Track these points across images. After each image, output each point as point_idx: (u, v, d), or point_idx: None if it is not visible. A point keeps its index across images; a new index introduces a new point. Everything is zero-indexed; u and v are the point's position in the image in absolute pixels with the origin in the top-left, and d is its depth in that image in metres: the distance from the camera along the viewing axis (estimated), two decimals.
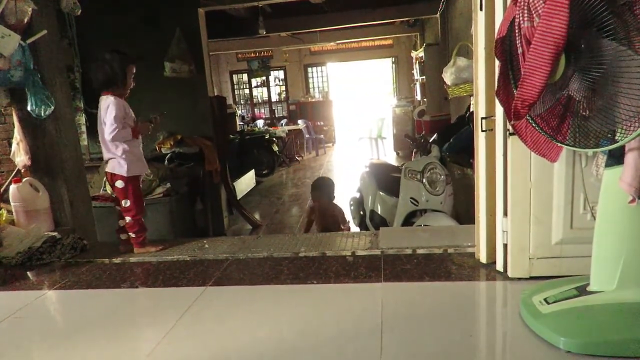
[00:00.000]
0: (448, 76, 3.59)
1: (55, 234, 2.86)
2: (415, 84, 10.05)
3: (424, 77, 8.78)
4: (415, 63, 9.63)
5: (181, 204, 4.35)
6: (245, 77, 14.00)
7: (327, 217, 3.56)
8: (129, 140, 2.57)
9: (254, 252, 2.57)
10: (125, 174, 2.58)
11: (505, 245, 2.04)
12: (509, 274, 2.02)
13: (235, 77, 14.06)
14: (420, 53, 8.94)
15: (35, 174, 3.02)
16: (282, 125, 11.59)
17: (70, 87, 3.63)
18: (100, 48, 2.69)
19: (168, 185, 4.27)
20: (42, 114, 2.85)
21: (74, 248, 2.77)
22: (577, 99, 1.38)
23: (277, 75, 13.94)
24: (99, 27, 4.81)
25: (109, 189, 4.10)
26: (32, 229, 2.85)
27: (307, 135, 11.22)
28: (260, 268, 2.37)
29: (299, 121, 11.51)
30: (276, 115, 13.76)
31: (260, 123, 11.87)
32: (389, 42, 12.75)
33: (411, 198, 3.39)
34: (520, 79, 1.36)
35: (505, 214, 2.01)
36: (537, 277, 1.95)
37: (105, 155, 2.60)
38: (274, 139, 8.96)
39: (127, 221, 2.65)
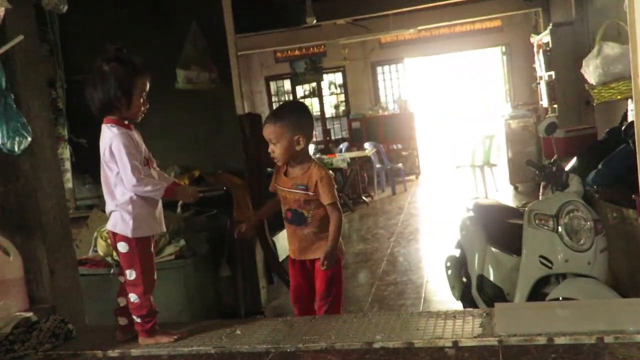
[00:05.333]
0: (592, 71, 3.54)
1: (30, 314, 2.99)
2: (539, 83, 9.91)
3: (552, 72, 8.65)
4: (538, 52, 9.53)
5: (200, 270, 4.45)
6: (287, 84, 14.40)
7: (296, 186, 3.01)
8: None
9: (307, 341, 2.57)
10: (129, 234, 2.65)
11: None
12: None
13: (273, 85, 14.49)
14: (545, 37, 8.84)
15: (4, 230, 3.20)
16: (341, 151, 11.72)
17: (51, 110, 3.86)
18: (92, 54, 2.80)
19: (182, 242, 4.39)
20: (16, 149, 3.03)
21: (56, 335, 2.88)
22: None
23: (332, 79, 14.23)
24: (89, 26, 5.08)
25: (100, 249, 4.31)
26: None
27: (378, 165, 11.28)
28: None
29: (366, 145, 11.60)
30: (332, 137, 13.95)
31: (309, 149, 12.05)
32: (497, 23, 12.74)
33: (541, 257, 3.33)
34: None
35: None
36: None
37: (109, 207, 2.70)
38: (330, 171, 9.04)
39: (131, 300, 2.71)
